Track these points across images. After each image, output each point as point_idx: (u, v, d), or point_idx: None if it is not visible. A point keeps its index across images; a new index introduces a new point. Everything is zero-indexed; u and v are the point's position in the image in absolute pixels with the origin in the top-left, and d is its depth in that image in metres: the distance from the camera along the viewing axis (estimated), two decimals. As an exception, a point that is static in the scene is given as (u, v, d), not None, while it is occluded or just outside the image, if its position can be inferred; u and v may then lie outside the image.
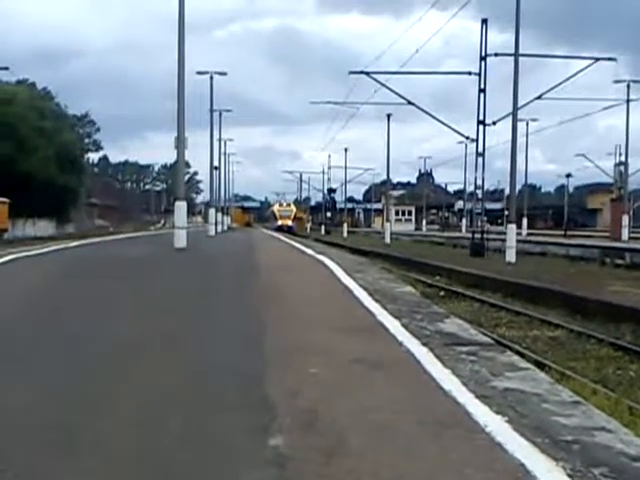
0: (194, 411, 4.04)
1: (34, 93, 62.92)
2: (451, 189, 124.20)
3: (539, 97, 32.64)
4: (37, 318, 7.49)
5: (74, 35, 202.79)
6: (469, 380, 4.68)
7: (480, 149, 29.91)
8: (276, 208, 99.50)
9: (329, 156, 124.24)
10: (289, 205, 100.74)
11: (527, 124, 55.25)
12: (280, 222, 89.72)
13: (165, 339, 6.24)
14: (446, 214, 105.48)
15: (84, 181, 68.15)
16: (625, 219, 43.07)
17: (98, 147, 79.29)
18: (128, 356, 5.51)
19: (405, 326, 6.79)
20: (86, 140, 75.15)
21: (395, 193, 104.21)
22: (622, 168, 48.95)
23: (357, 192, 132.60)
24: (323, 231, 77.94)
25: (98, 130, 77.12)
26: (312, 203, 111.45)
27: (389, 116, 48.72)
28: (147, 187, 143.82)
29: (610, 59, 31.52)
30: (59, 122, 60.32)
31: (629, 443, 3.59)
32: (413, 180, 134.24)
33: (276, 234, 45.76)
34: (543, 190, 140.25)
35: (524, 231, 52.08)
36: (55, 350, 5.76)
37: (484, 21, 29.29)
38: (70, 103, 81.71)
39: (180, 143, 21.46)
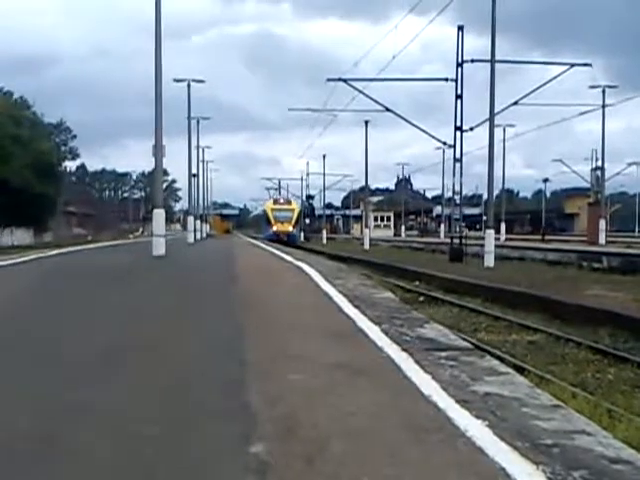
0: (174, 418, 4.02)
1: (10, 101, 62.53)
2: (429, 195, 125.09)
3: (515, 103, 32.83)
4: (15, 328, 7.43)
5: (49, 42, 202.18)
6: (449, 385, 4.69)
7: (457, 155, 30.14)
8: (269, 206, 68.30)
9: (307, 163, 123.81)
10: (289, 203, 70.27)
11: (504, 130, 55.96)
12: (276, 227, 63.24)
13: (144, 346, 6.19)
14: (425, 220, 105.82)
15: (61, 189, 67.74)
16: (602, 223, 43.43)
17: (75, 155, 79.01)
18: (104, 364, 5.46)
19: (385, 332, 6.79)
20: (63, 148, 74.86)
21: (374, 199, 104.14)
22: (599, 173, 49.37)
23: (336, 198, 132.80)
24: (302, 237, 76.09)
25: (74, 137, 76.92)
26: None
27: (367, 123, 49.03)
28: (125, 195, 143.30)
29: (586, 64, 31.64)
30: (35, 130, 60.00)
31: (608, 446, 3.60)
32: (392, 186, 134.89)
33: (257, 242, 45.16)
34: (521, 195, 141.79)
35: (502, 236, 52.46)
36: (39, 352, 5.71)
37: (460, 28, 29.51)
38: (47, 111, 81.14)
39: (158, 151, 21.38)
